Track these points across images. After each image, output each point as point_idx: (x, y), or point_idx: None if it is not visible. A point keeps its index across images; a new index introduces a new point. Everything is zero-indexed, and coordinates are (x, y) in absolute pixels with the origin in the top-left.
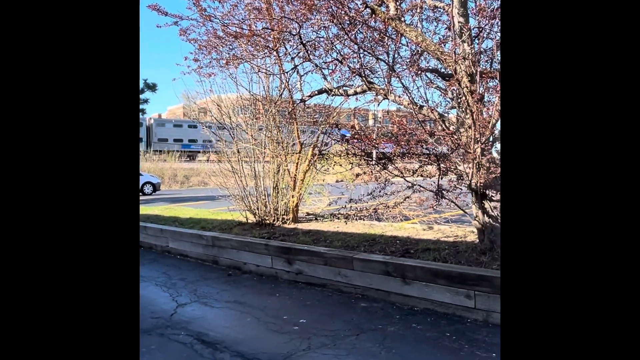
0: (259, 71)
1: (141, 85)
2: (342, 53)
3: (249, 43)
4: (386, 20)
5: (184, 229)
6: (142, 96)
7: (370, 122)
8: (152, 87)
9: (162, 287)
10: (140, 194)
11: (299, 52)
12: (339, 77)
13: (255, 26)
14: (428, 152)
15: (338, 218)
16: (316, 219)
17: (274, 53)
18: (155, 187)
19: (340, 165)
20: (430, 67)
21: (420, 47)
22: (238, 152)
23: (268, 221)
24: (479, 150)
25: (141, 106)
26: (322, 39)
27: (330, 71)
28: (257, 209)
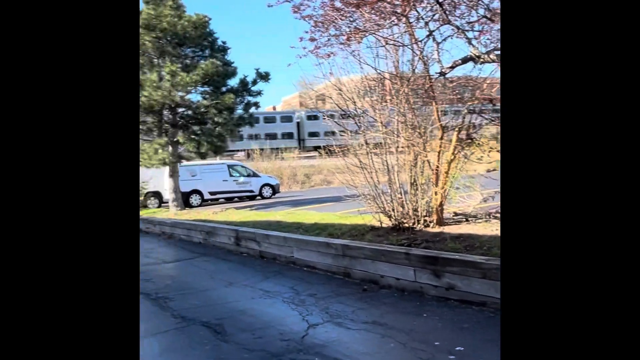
0: (386, 44)
1: (253, 75)
2: (490, 8)
3: (373, 11)
4: None
5: (309, 236)
6: (255, 87)
7: None
8: (265, 77)
9: (290, 304)
10: (259, 197)
11: (434, 15)
12: (489, 39)
13: None
14: None
15: (496, 218)
16: (467, 220)
17: (404, 19)
18: (275, 189)
19: (498, 151)
20: None
21: None
22: (366, 143)
23: (406, 224)
24: None
25: (254, 99)
26: None
27: (476, 33)
28: (393, 210)
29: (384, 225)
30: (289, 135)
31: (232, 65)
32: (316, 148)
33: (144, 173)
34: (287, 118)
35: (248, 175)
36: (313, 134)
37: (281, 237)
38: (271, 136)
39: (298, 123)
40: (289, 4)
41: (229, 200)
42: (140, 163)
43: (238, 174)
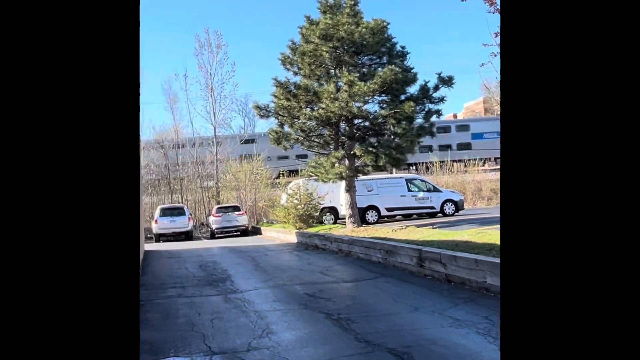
0: None
1: (434, 81)
2: None
3: None
4: None
5: None
6: (436, 94)
7: None
8: (448, 82)
9: (486, 336)
10: (440, 214)
11: None
12: None
13: None
14: None
15: None
16: None
17: None
18: (458, 206)
19: None
20: None
21: None
22: None
23: None
24: None
25: (436, 106)
26: None
27: None
28: None
29: None
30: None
31: (412, 71)
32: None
33: (321, 188)
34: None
35: (428, 190)
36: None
37: (472, 259)
38: (445, 147)
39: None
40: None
41: (407, 217)
42: (317, 177)
43: (417, 189)
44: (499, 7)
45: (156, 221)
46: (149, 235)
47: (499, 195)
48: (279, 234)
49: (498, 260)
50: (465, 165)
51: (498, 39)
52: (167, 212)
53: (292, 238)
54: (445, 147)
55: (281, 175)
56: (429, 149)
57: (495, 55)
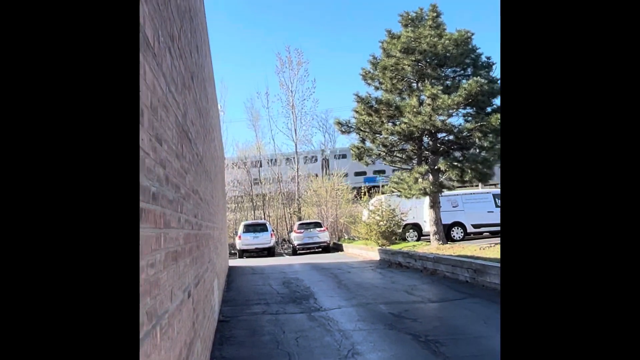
0: None
1: None
2: None
3: None
4: None
5: None
6: None
7: None
8: None
9: None
10: None
11: None
12: None
13: None
14: None
15: None
16: None
17: None
18: None
19: None
20: None
21: None
22: None
23: None
24: None
25: None
26: None
27: None
28: None
29: None
30: None
31: (499, 82)
32: None
33: (403, 204)
34: None
35: None
36: None
37: None
38: None
39: None
40: None
41: (495, 234)
42: (400, 193)
43: None
44: None
45: (240, 237)
46: (232, 251)
47: None
48: (361, 251)
49: None
50: None
51: None
52: (250, 228)
53: (375, 255)
54: None
55: (363, 192)
56: None
57: None
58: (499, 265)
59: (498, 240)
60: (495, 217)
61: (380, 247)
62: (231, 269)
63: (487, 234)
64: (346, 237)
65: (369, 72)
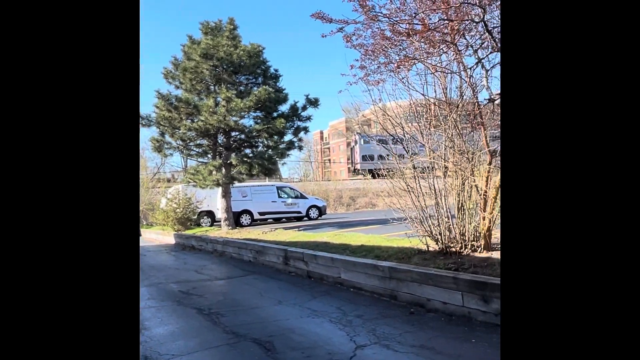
0: (435, 71)
1: (303, 101)
2: None
3: (422, 40)
4: None
5: (356, 258)
6: (304, 113)
7: None
8: (315, 103)
9: (337, 324)
10: (306, 218)
11: (483, 43)
12: None
13: (429, 20)
14: None
15: None
16: None
17: (453, 47)
18: (321, 211)
19: None
20: None
21: None
22: (414, 167)
23: (453, 249)
24: None
25: (304, 124)
26: None
27: None
28: (440, 234)
29: (430, 249)
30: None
31: (284, 92)
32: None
33: (199, 193)
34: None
35: (296, 197)
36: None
37: (329, 257)
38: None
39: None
40: (341, 33)
41: (277, 220)
42: (196, 184)
43: (286, 196)
44: (356, 42)
45: None
46: None
47: (356, 201)
48: (158, 236)
49: (350, 259)
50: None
51: (353, 71)
52: None
53: (171, 240)
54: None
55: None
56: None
57: (350, 85)
58: (276, 246)
59: (279, 225)
60: (278, 206)
61: (176, 232)
62: None
63: (271, 220)
64: (144, 223)
65: (171, 71)
